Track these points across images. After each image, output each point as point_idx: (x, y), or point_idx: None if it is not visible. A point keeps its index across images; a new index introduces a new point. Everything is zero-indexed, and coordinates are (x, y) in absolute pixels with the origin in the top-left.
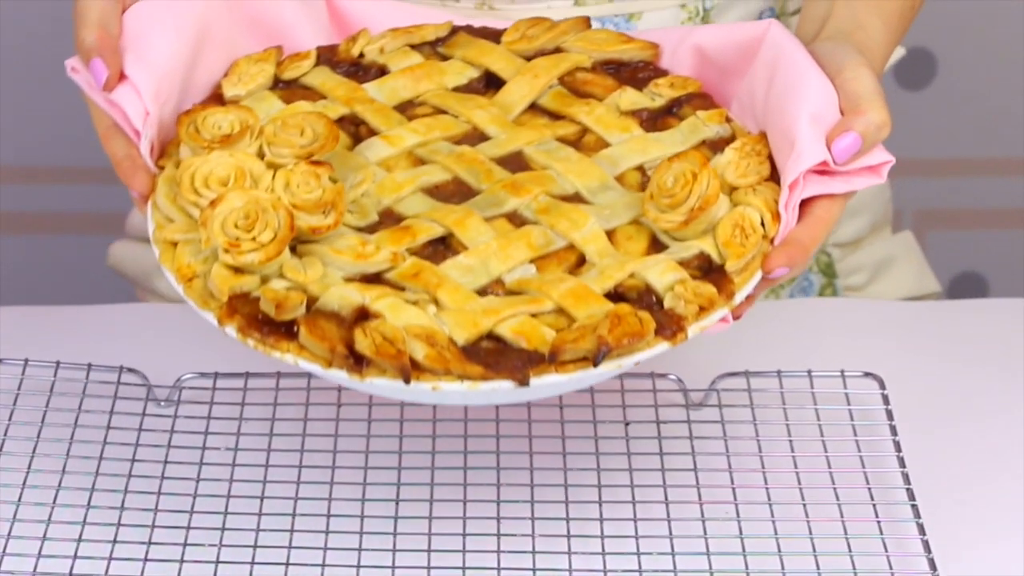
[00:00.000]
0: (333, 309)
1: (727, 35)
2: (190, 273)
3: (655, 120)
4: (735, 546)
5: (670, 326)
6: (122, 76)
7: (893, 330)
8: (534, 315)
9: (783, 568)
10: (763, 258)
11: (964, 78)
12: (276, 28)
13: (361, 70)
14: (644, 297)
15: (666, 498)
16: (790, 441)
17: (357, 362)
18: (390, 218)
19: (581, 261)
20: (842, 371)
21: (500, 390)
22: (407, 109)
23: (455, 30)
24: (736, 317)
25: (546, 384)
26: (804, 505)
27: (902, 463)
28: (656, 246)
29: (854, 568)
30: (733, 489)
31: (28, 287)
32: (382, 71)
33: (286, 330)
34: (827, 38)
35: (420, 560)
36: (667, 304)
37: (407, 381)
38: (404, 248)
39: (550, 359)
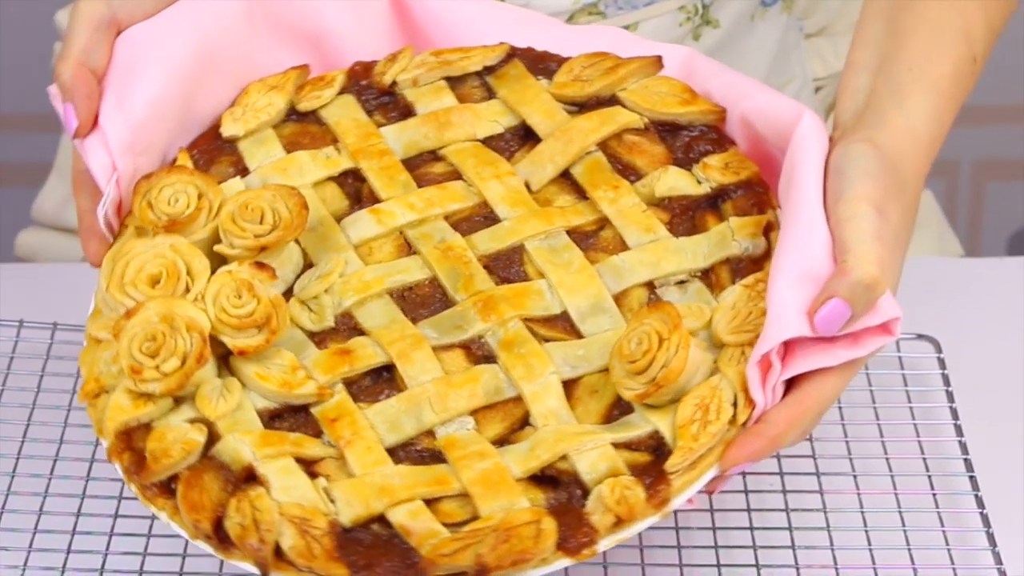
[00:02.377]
0: (225, 460)
1: (767, 115)
2: (97, 389)
3: (692, 213)
4: (781, 520)
5: (578, 537)
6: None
7: (949, 289)
8: (436, 499)
9: (832, 544)
10: (724, 449)
11: None
12: (312, 34)
13: (391, 102)
14: (570, 486)
15: None
16: (839, 408)
17: (221, 541)
18: (346, 325)
19: (528, 417)
20: None
21: None
22: (422, 164)
23: (512, 55)
24: (709, 492)
25: None
26: (855, 477)
27: (959, 432)
28: (623, 403)
29: (908, 544)
30: (779, 460)
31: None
32: (409, 110)
33: (170, 481)
34: (855, 131)
35: None
36: (588, 505)
37: (264, 574)
38: (340, 377)
39: (417, 575)
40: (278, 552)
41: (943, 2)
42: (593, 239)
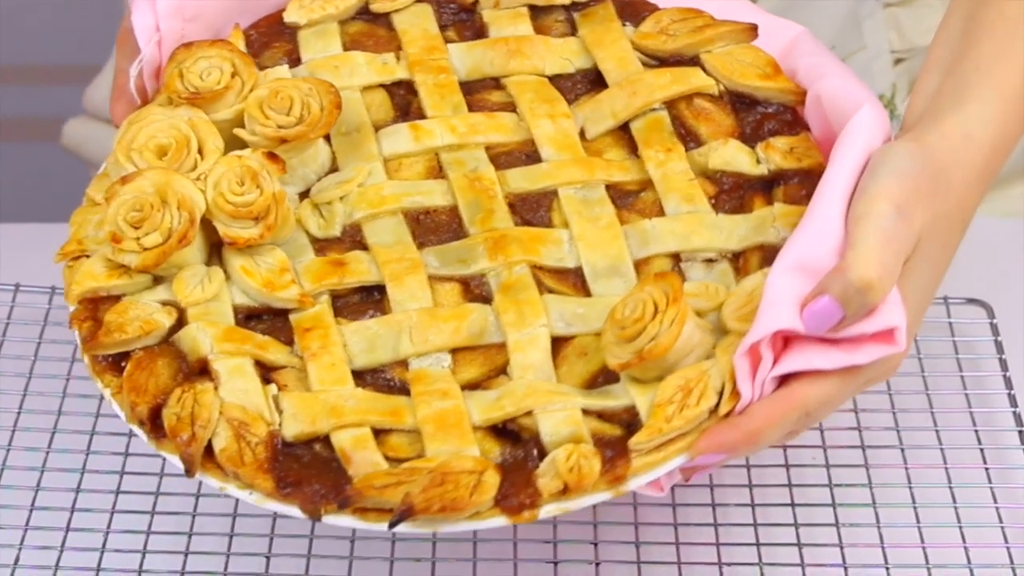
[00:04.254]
0: (183, 349)
1: (835, 98)
2: (77, 250)
3: (742, 193)
4: (824, 496)
5: (521, 497)
6: None
7: (1003, 252)
8: (387, 431)
9: (878, 521)
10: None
11: None
12: None
13: (468, 20)
14: (529, 445)
15: None
16: None
17: (155, 429)
18: (351, 238)
19: (507, 366)
20: (945, 297)
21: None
22: (482, 90)
23: None
24: (685, 480)
25: (348, 525)
26: (902, 450)
27: (1013, 402)
28: (611, 372)
29: (959, 521)
30: (822, 432)
31: (26, 201)
32: (483, 31)
33: (122, 360)
34: (910, 131)
35: None
36: (541, 467)
37: (189, 473)
38: (327, 287)
39: (341, 504)
40: (209, 452)
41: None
42: (632, 199)
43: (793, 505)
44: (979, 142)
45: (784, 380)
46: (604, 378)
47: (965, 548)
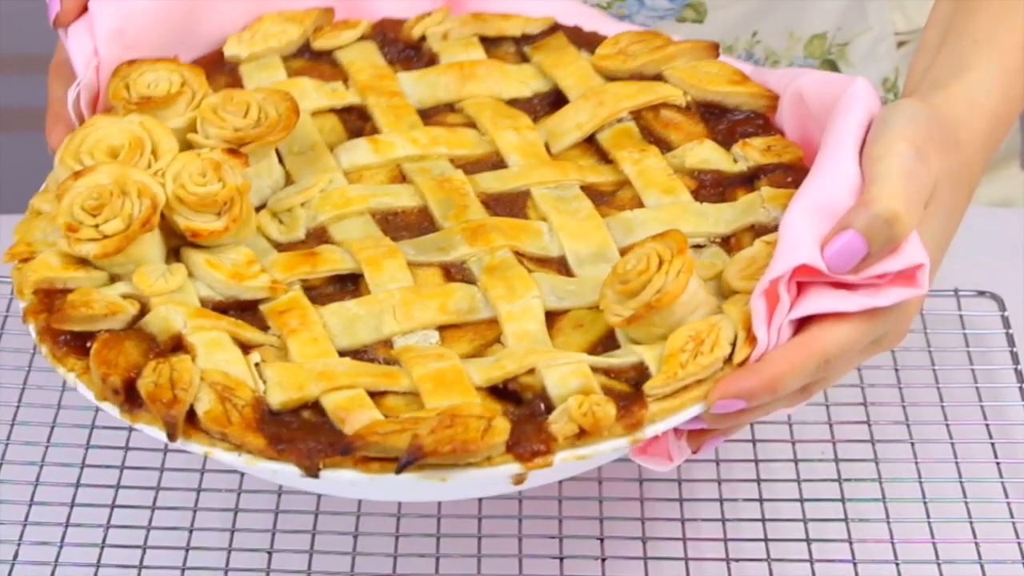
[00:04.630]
0: (152, 332)
1: (820, 87)
2: (26, 252)
3: (723, 188)
4: (833, 491)
5: (533, 443)
6: (86, 8)
7: (1013, 242)
8: (381, 393)
9: (888, 516)
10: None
11: None
12: None
13: (415, 56)
14: (534, 403)
15: (753, 436)
16: (896, 370)
17: (129, 400)
18: (318, 240)
19: (500, 339)
20: (955, 290)
21: (285, 474)
22: (437, 115)
23: (555, 28)
24: (694, 451)
25: (346, 481)
26: (912, 444)
27: None
28: (609, 342)
29: (969, 516)
30: (831, 427)
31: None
32: (432, 61)
33: (84, 343)
34: (910, 94)
35: None
36: (552, 416)
37: (171, 438)
38: (299, 276)
39: (343, 451)
40: (191, 418)
41: None
42: (609, 198)
43: (802, 500)
44: (983, 108)
45: (801, 329)
46: (603, 347)
47: (976, 543)
